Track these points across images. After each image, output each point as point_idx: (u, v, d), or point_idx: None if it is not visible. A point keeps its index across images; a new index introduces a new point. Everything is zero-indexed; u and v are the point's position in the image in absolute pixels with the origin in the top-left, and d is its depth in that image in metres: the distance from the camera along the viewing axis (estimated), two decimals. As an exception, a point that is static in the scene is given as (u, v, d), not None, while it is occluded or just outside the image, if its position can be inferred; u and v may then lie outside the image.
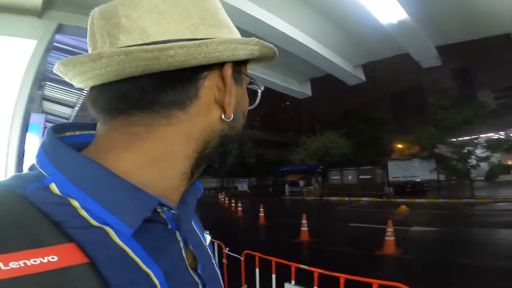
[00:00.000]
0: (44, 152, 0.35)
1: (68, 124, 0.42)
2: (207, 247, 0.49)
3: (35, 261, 0.27)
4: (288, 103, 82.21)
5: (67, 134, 0.41)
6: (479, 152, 17.11)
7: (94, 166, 0.33)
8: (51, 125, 0.42)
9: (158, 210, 0.37)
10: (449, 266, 5.23)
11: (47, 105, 10.13)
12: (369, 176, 23.92)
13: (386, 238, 6.18)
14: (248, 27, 7.44)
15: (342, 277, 2.60)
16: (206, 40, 0.35)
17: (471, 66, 58.39)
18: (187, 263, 0.41)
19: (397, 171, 21.26)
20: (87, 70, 0.34)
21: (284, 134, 61.87)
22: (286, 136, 59.36)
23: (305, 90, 12.31)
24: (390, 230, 6.19)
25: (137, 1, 0.36)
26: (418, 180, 20.51)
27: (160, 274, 0.35)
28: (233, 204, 16.03)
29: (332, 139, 25.20)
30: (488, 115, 18.90)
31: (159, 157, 0.37)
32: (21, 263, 0.26)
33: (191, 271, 0.41)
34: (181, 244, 0.40)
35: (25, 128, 4.80)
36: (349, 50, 10.29)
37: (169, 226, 0.39)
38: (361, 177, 24.28)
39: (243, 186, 33.22)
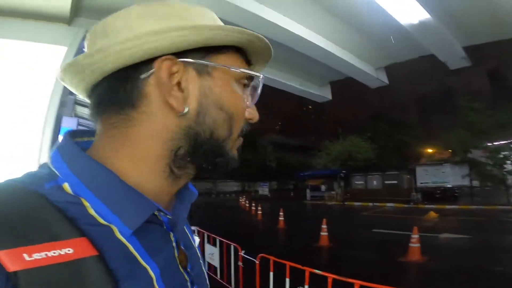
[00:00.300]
0: (61, 154, 0.38)
1: (82, 130, 0.46)
2: (196, 248, 0.53)
3: (54, 253, 0.30)
4: (310, 107, 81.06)
5: (78, 139, 0.44)
6: (516, 157, 16.14)
7: (103, 170, 0.37)
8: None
9: (156, 213, 0.41)
10: (480, 273, 4.91)
11: (80, 110, 10.72)
12: (395, 181, 22.99)
13: (411, 244, 5.90)
14: (263, 31, 7.49)
15: (357, 283, 2.50)
16: (118, 39, 0.36)
17: (504, 67, 54.56)
18: (178, 262, 0.44)
19: (426, 176, 20.53)
20: (70, 80, 0.40)
21: (305, 138, 61.05)
22: (308, 140, 58.63)
23: (325, 94, 12.13)
24: (415, 236, 5.92)
25: (98, 27, 0.41)
26: (449, 186, 19.68)
27: (156, 270, 0.38)
28: (253, 208, 16.06)
29: (356, 144, 24.70)
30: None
31: (137, 159, 0.39)
32: (43, 254, 0.29)
33: (181, 269, 0.44)
34: (174, 245, 0.43)
35: (57, 132, 5.12)
36: (369, 52, 10.04)
37: (165, 228, 0.42)
38: (386, 182, 23.37)
39: (263, 190, 33.18)
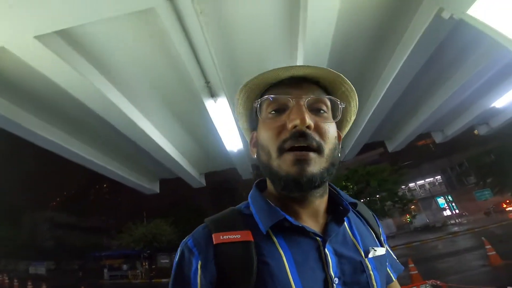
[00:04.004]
0: (250, 193, 0.70)
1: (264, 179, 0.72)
2: (366, 258, 0.62)
3: (231, 236, 0.56)
4: (105, 185, 72.63)
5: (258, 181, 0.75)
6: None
7: (259, 197, 0.66)
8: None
9: (286, 223, 0.59)
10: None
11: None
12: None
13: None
14: (115, 119, 7.31)
15: None
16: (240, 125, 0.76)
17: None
18: (324, 263, 0.57)
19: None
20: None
21: (98, 218, 55.04)
22: (101, 221, 53.43)
23: (154, 188, 14.02)
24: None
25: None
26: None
27: (290, 259, 0.55)
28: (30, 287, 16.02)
29: (159, 226, 26.70)
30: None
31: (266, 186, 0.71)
32: (227, 237, 0.56)
33: (327, 270, 0.56)
34: (322, 249, 0.59)
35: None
36: (198, 161, 12.51)
37: (311, 234, 0.59)
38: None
39: (37, 269, 27.21)
